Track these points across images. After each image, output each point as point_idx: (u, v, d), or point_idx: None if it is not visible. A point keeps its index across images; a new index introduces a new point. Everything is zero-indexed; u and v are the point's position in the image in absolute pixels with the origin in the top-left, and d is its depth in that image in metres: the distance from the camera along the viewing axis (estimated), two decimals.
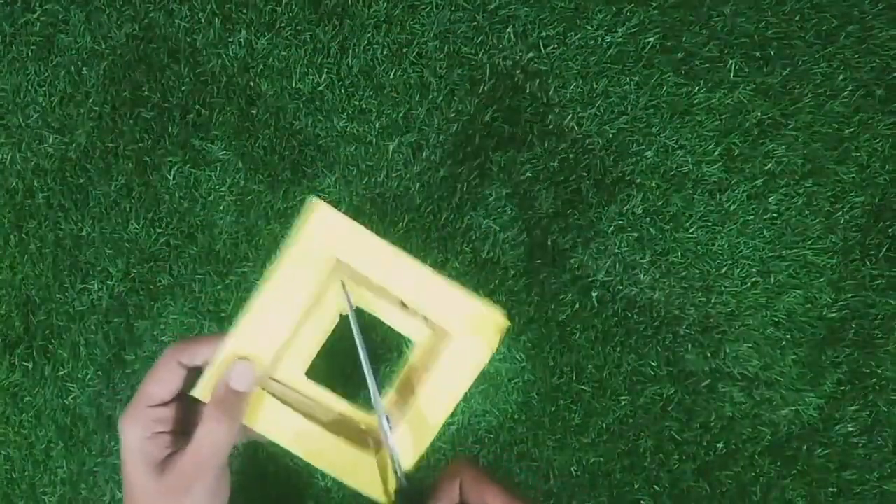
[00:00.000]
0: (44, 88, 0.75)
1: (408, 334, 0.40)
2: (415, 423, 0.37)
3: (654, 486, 0.72)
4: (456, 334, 0.37)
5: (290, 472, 0.73)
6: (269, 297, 0.36)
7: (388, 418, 0.37)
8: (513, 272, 0.73)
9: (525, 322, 0.72)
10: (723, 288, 0.72)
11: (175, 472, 0.34)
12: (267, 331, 0.36)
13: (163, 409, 0.36)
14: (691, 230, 0.72)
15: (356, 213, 0.73)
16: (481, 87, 0.72)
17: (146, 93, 0.74)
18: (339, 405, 0.40)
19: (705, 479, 0.72)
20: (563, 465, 0.73)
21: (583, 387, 0.72)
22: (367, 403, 0.39)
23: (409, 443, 0.37)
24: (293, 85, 0.73)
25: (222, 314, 0.73)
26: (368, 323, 0.39)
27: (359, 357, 0.37)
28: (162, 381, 0.36)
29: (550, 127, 0.72)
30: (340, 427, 0.39)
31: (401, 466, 0.36)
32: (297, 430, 0.37)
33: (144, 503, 0.34)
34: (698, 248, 0.72)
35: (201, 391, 0.36)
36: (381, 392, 0.39)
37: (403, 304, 0.39)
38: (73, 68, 0.74)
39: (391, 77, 0.73)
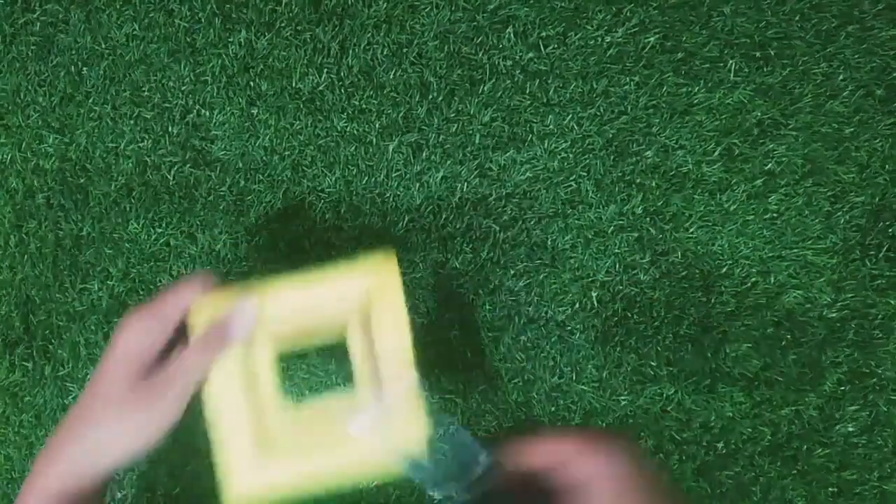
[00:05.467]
0: (44, 88, 0.75)
1: (342, 323, 0.41)
2: (391, 378, 0.38)
3: None
4: (361, 294, 0.38)
5: None
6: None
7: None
8: (512, 272, 0.73)
9: (525, 322, 0.72)
10: (723, 288, 0.72)
11: (151, 383, 0.36)
12: None
13: (167, 325, 0.37)
14: (691, 230, 0.72)
15: (356, 214, 0.73)
16: (481, 87, 0.72)
17: (146, 93, 0.74)
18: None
19: (705, 479, 0.72)
20: None
21: (583, 387, 0.72)
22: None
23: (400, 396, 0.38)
24: (293, 85, 0.73)
25: None
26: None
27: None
28: (178, 303, 0.37)
29: (550, 127, 0.72)
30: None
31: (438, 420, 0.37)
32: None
33: (112, 403, 0.36)
34: (698, 248, 0.72)
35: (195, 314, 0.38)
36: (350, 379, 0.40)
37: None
38: (73, 68, 0.74)
39: (391, 77, 0.73)
